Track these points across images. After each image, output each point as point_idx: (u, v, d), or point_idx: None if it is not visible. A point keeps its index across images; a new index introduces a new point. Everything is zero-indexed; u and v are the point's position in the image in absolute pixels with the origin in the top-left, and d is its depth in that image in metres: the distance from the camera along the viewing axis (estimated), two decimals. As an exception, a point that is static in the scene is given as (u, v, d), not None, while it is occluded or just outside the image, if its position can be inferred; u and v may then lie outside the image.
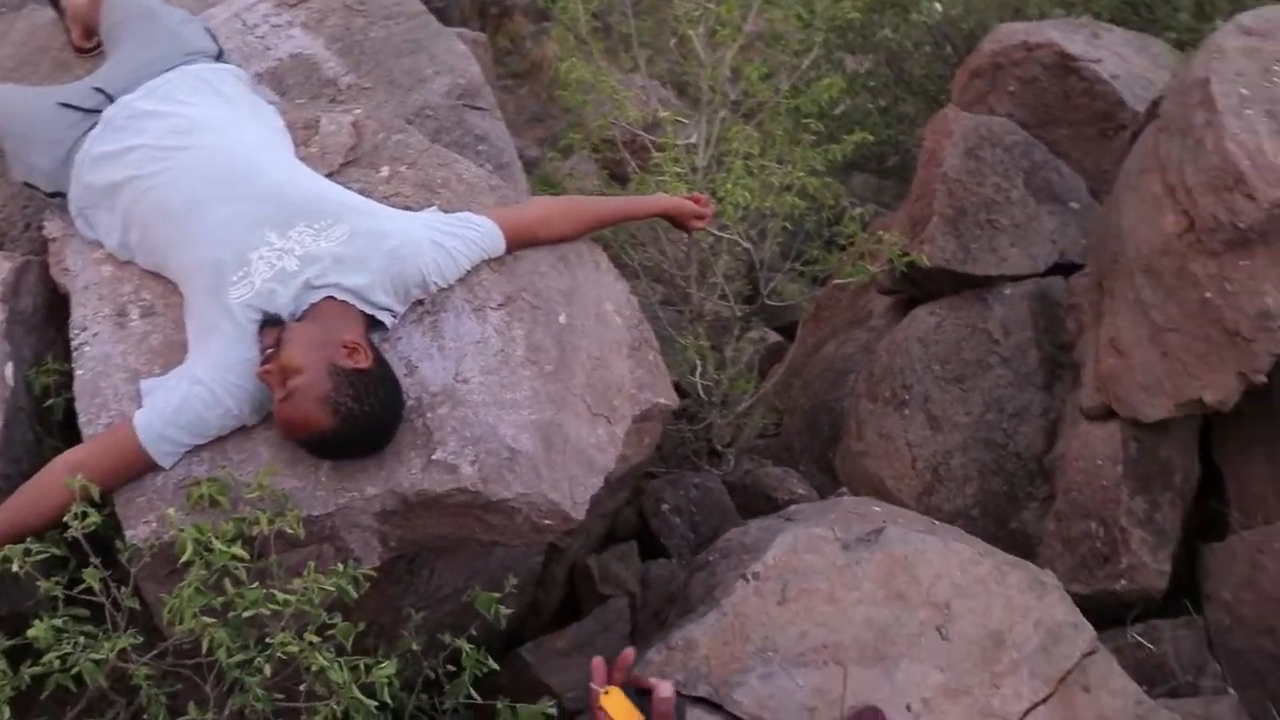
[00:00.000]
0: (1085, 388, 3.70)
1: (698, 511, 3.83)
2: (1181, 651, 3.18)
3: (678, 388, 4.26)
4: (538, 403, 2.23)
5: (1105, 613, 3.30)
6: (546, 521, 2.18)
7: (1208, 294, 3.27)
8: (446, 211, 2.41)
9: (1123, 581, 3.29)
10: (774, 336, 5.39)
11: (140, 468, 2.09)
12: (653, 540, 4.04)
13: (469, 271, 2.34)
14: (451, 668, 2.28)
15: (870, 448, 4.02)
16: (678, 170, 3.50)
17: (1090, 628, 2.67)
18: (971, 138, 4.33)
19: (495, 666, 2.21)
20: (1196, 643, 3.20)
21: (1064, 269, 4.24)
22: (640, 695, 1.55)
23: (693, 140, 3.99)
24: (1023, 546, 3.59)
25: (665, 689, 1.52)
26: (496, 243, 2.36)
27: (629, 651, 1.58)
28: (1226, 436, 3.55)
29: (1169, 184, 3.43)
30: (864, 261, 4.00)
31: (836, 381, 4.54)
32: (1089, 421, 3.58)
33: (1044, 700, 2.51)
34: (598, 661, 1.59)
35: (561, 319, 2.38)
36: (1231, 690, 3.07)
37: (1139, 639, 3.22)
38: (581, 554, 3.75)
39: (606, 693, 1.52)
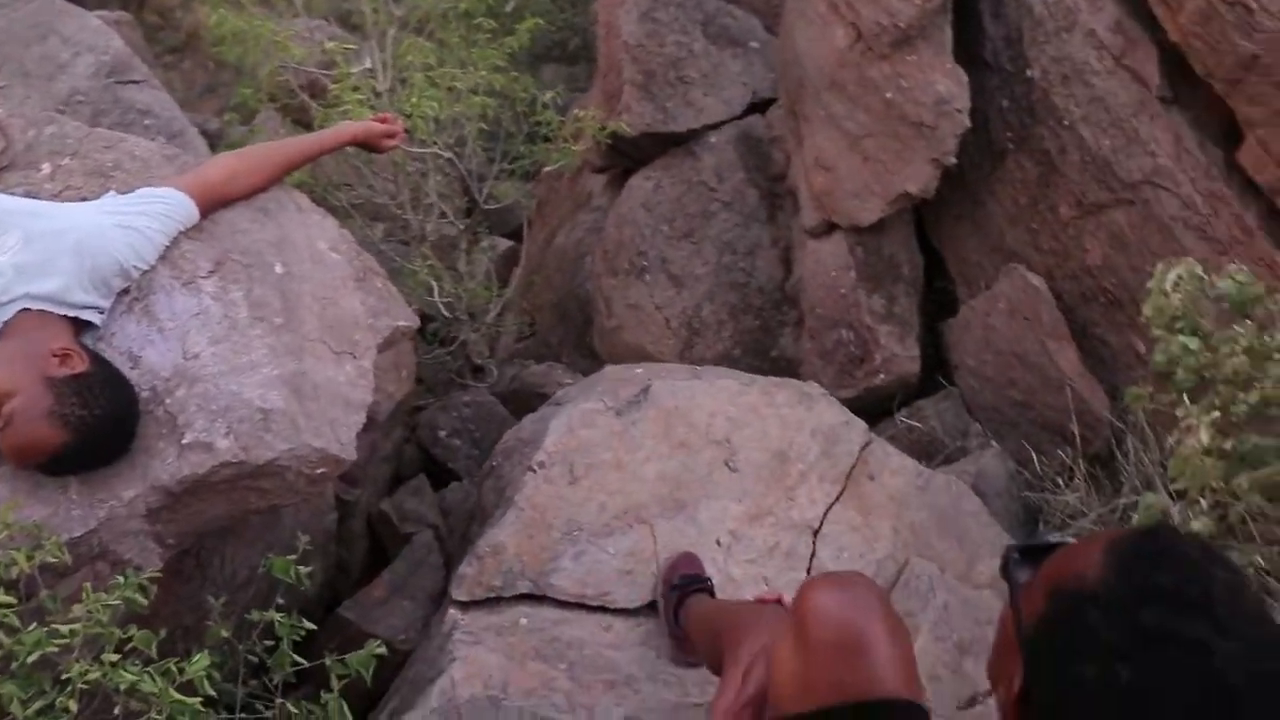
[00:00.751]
0: (804, 209, 3.87)
1: (476, 428, 3.83)
2: (946, 422, 3.42)
3: (424, 316, 4.21)
4: (276, 358, 2.15)
5: (874, 408, 3.51)
6: (319, 470, 2.13)
7: (888, 94, 3.46)
8: (125, 193, 2.27)
9: (881, 375, 3.50)
10: (505, 243, 5.37)
11: None
12: (440, 469, 4.02)
13: (168, 246, 2.22)
14: (270, 642, 2.23)
15: (623, 321, 4.09)
16: (359, 98, 3.40)
17: (861, 422, 2.84)
18: (643, 3, 4.37)
19: (311, 626, 2.17)
20: (956, 410, 3.46)
21: (759, 106, 4.38)
22: None
23: (368, 66, 3.88)
24: (787, 371, 3.76)
25: None
26: (187, 210, 2.24)
27: None
28: (936, 221, 3.79)
29: (831, 1, 3.58)
30: (569, 144, 4.02)
31: (575, 268, 4.58)
32: (815, 239, 3.76)
33: (838, 498, 2.66)
34: None
35: (278, 269, 2.30)
36: (994, 443, 3.34)
37: (907, 421, 3.44)
38: (374, 502, 3.70)
39: None
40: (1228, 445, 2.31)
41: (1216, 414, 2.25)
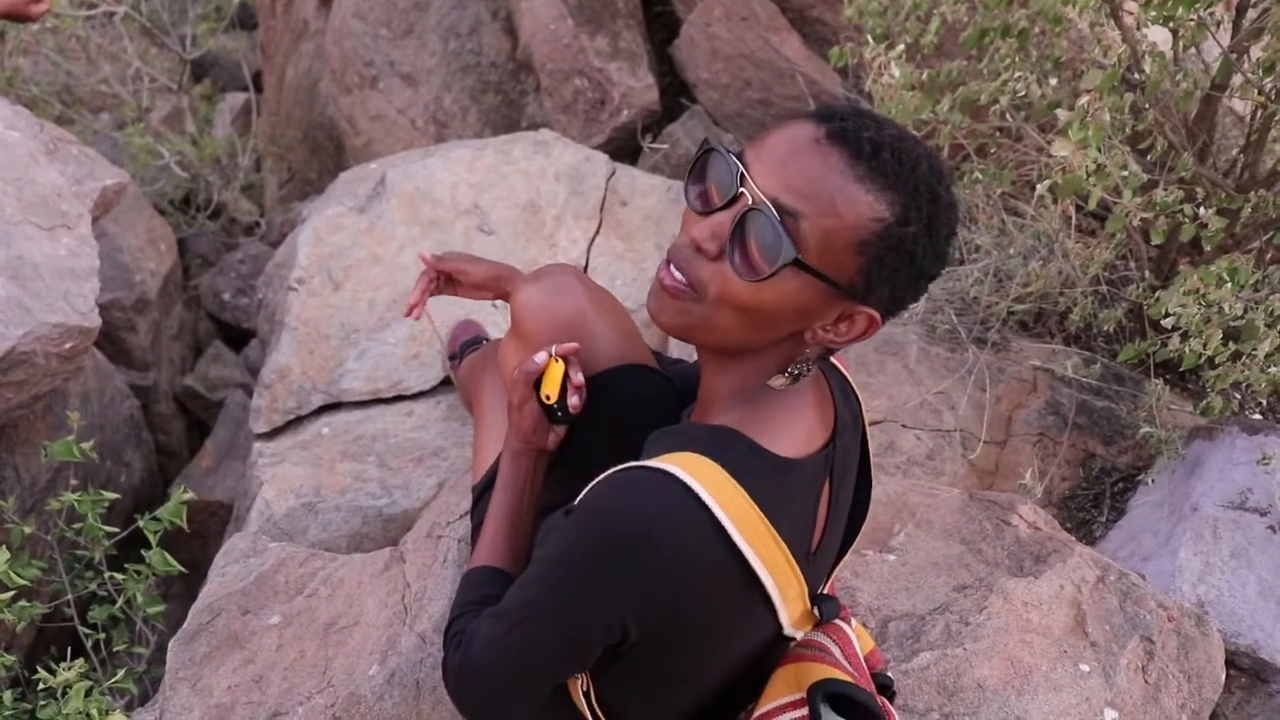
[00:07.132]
0: (511, -28, 3.79)
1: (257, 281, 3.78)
2: (696, 138, 3.48)
3: (186, 199, 4.07)
4: (-19, 247, 2.09)
5: (630, 147, 3.55)
6: (69, 344, 2.09)
7: None
8: None
9: (624, 112, 3.52)
10: (239, 97, 5.13)
11: None
12: (237, 331, 3.97)
13: None
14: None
15: (371, 134, 4.01)
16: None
17: (603, 156, 2.88)
18: None
19: (111, 495, 2.17)
20: (704, 125, 3.52)
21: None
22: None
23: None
24: (541, 137, 3.75)
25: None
26: None
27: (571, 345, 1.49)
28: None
29: None
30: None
31: (311, 98, 4.44)
32: (527, -1, 3.70)
33: (597, 232, 2.72)
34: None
35: (-45, 162, 2.20)
36: (741, 141, 3.42)
37: (656, 146, 3.49)
38: (178, 381, 3.65)
39: (557, 360, 1.42)
40: (924, 76, 2.43)
41: (901, 48, 2.35)
